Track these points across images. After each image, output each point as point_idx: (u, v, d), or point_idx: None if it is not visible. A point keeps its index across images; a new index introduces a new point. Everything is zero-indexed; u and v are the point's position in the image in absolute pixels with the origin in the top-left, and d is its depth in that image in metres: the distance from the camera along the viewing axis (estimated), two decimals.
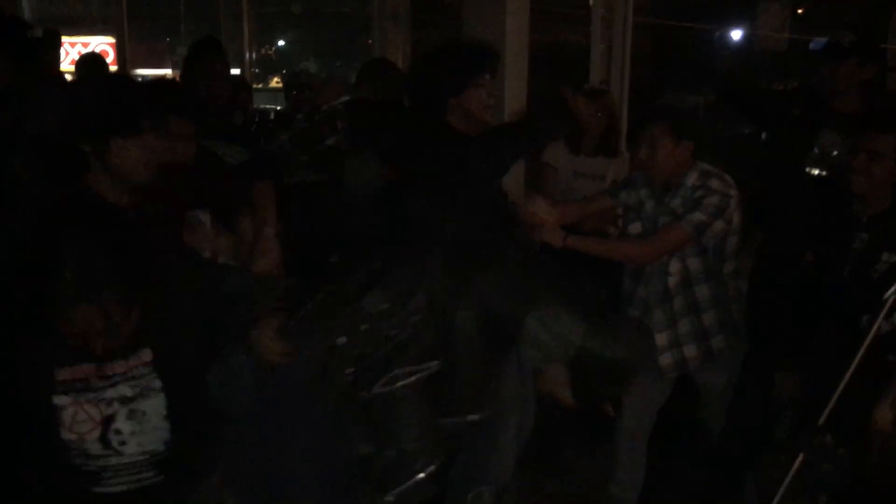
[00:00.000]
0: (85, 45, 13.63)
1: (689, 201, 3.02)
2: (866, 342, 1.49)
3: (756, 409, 3.12)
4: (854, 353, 2.39)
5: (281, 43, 18.79)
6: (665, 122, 3.02)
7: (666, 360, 3.12)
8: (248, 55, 9.52)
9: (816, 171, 3.41)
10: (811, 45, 3.87)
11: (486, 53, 3.03)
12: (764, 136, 3.98)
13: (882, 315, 1.50)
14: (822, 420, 1.54)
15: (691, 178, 3.04)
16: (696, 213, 2.99)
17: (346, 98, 3.84)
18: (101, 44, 12.86)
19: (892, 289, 1.49)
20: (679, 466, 3.33)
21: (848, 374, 1.53)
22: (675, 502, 3.39)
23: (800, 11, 16.65)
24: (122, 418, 1.98)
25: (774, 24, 15.65)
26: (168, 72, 15.71)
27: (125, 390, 1.98)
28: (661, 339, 3.12)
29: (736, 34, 15.77)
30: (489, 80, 2.99)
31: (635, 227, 3.15)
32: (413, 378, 2.59)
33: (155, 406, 2.02)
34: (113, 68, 7.97)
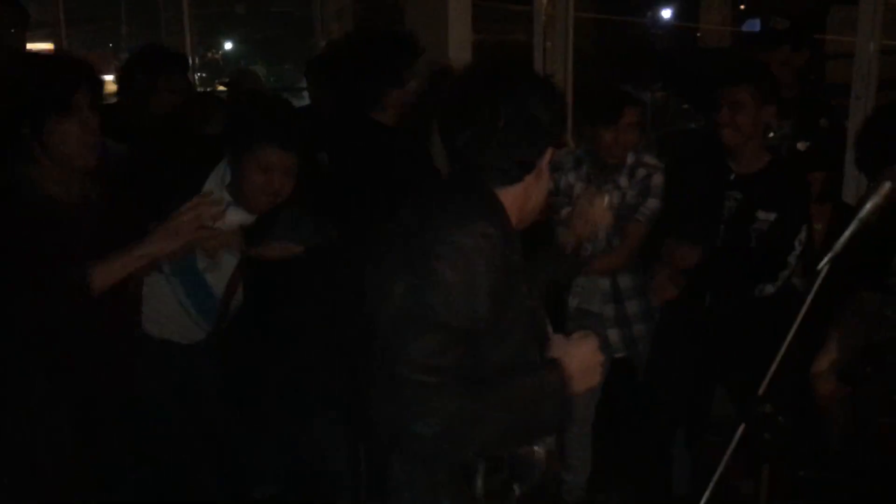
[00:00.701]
0: None
1: (639, 184, 3.05)
2: (802, 311, 1.53)
3: (678, 377, 3.15)
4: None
5: (227, 46, 18.56)
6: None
7: (613, 335, 3.17)
8: (191, 59, 9.39)
9: None
10: (744, 27, 3.96)
11: (413, 42, 3.02)
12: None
13: (815, 286, 1.54)
14: (761, 390, 1.57)
15: (630, 157, 3.09)
16: (650, 199, 3.03)
17: None
18: (40, 50, 12.58)
19: (825, 260, 1.53)
20: (628, 449, 3.38)
21: (785, 345, 1.56)
22: (625, 484, 3.45)
23: (742, 7, 16.97)
24: None
25: (716, 17, 15.92)
26: (111, 78, 15.41)
27: None
28: (607, 310, 3.17)
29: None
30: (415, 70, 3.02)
31: (566, 212, 3.16)
32: None
33: None
34: None
